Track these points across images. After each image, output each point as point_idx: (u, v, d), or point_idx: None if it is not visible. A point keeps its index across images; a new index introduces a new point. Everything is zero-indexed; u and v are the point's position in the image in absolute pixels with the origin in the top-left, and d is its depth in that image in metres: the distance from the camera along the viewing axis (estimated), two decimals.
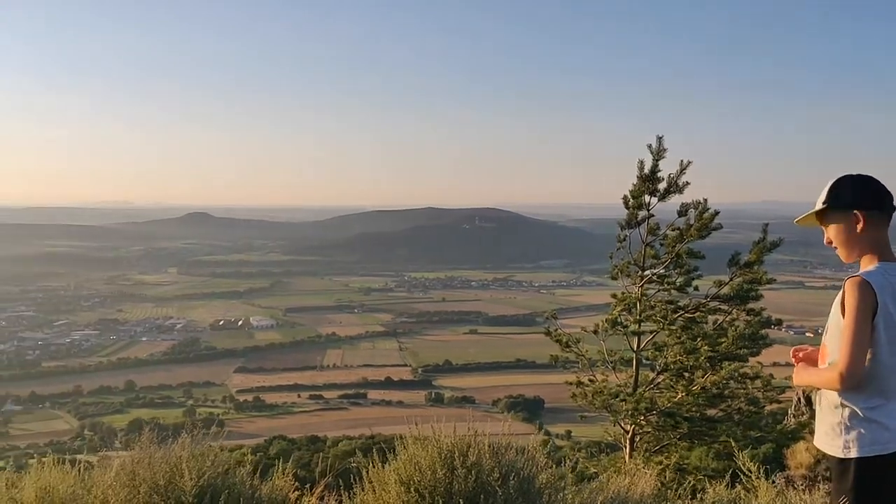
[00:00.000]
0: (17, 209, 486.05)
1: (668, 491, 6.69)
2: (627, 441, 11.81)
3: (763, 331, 11.42)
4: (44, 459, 5.80)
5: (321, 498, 6.20)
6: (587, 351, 12.51)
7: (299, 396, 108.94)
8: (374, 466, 6.20)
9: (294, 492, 6.15)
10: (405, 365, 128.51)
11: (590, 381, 12.19)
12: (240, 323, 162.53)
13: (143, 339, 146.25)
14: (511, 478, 5.81)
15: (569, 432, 68.75)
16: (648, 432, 11.86)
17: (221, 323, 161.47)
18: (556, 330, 12.77)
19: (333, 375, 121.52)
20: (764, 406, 11.74)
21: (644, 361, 12.13)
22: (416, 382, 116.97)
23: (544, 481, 6.05)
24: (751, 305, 11.58)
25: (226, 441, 6.19)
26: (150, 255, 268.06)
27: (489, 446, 6.11)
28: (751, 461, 5.72)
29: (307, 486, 6.42)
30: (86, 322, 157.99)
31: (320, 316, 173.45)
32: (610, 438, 12.49)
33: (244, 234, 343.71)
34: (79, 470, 5.66)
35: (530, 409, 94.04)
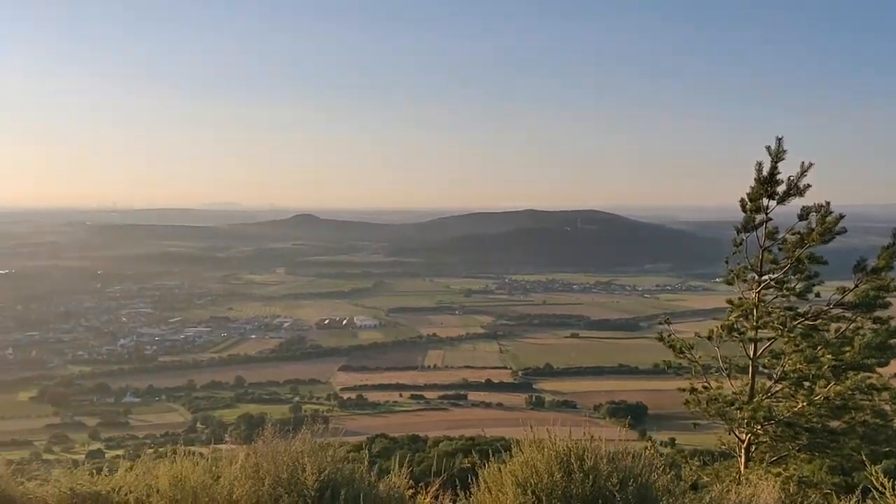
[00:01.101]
0: (136, 211, 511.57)
1: None
2: (742, 450, 11.41)
3: (891, 340, 10.82)
4: (176, 450, 6.08)
5: (435, 497, 6.26)
6: (700, 357, 12.14)
7: (401, 396, 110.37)
8: (488, 468, 6.23)
9: (408, 489, 6.24)
10: (505, 367, 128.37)
11: (703, 387, 11.83)
12: (344, 322, 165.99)
13: (252, 336, 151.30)
14: (630, 483, 5.73)
15: (673, 440, 67.14)
16: (765, 442, 11.42)
17: (327, 322, 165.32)
18: (669, 335, 12.46)
19: (434, 376, 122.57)
20: (892, 419, 11.12)
21: (761, 369, 11.68)
22: (517, 385, 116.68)
23: (662, 487, 5.94)
24: (878, 314, 11.00)
25: (330, 439, 6.32)
26: (259, 255, 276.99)
27: (606, 451, 6.04)
28: (883, 476, 5.45)
29: (419, 484, 6.50)
30: (198, 319, 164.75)
31: (421, 317, 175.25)
32: (723, 447, 12.08)
33: (348, 235, 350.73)
34: (207, 461, 5.93)
35: (633, 414, 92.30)
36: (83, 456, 65.98)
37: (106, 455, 67.55)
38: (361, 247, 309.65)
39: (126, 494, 5.60)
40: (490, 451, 6.66)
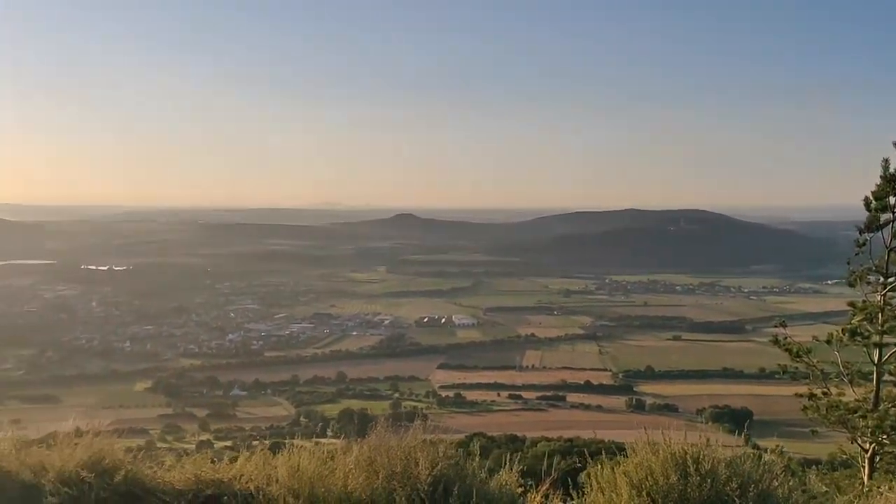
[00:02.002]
0: (244, 210, 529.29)
1: None
2: (866, 460, 10.86)
3: None
4: (293, 443, 6.26)
5: (545, 496, 6.22)
6: (818, 362, 11.61)
7: (498, 395, 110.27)
8: (601, 469, 6.14)
9: (518, 488, 6.22)
10: (605, 369, 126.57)
11: (823, 393, 11.32)
12: (443, 321, 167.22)
13: (354, 333, 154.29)
14: (750, 489, 5.55)
15: (779, 447, 64.82)
16: (891, 453, 10.84)
17: (426, 320, 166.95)
18: (784, 338, 11.98)
19: (532, 376, 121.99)
20: None
21: (887, 376, 11.08)
22: (616, 387, 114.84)
23: (783, 496, 5.72)
24: None
25: (428, 436, 6.35)
26: (361, 254, 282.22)
27: (723, 455, 5.87)
28: None
29: (529, 482, 6.47)
30: (302, 316, 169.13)
31: (520, 316, 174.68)
32: (843, 456, 11.53)
33: (448, 234, 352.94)
34: (323, 453, 6.07)
35: (737, 420, 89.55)
36: (193, 446, 68.63)
37: (215, 446, 70.07)
38: (460, 246, 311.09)
39: (246, 482, 5.78)
40: (591, 452, 6.57)
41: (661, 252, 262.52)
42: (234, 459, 6.20)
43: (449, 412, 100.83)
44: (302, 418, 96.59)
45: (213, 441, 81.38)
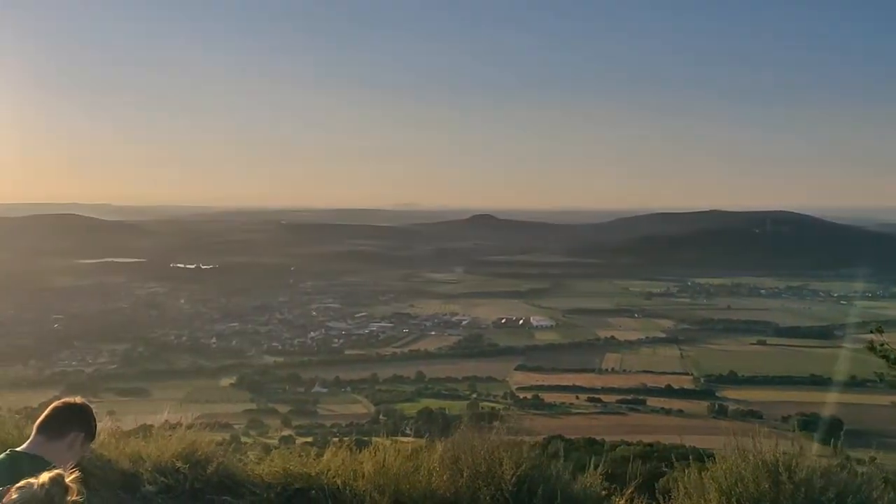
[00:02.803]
0: (326, 211, 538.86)
1: None
2: None
3: None
4: (377, 440, 6.37)
5: (630, 500, 6.14)
6: None
7: (577, 398, 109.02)
8: (688, 474, 6.04)
9: (602, 490, 6.17)
10: (686, 373, 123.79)
11: None
12: (521, 322, 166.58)
13: (432, 333, 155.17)
14: (847, 500, 5.36)
15: (872, 458, 62.34)
16: None
17: (503, 321, 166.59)
18: (882, 344, 11.50)
19: (611, 379, 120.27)
20: None
21: None
22: (698, 392, 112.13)
23: None
24: None
25: (510, 437, 6.34)
26: (439, 254, 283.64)
27: (818, 463, 5.69)
28: None
29: (613, 486, 6.40)
30: (382, 315, 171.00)
31: (599, 319, 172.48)
32: None
33: (526, 235, 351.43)
34: (408, 451, 6.16)
35: (826, 429, 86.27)
36: (276, 441, 70.11)
37: (296, 441, 71.39)
38: (538, 247, 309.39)
39: (333, 477, 5.91)
40: (674, 457, 6.47)
41: (746, 254, 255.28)
42: (320, 454, 6.36)
43: (527, 413, 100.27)
44: (381, 416, 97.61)
45: (295, 437, 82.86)
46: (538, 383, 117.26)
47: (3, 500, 2.50)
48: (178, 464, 5.99)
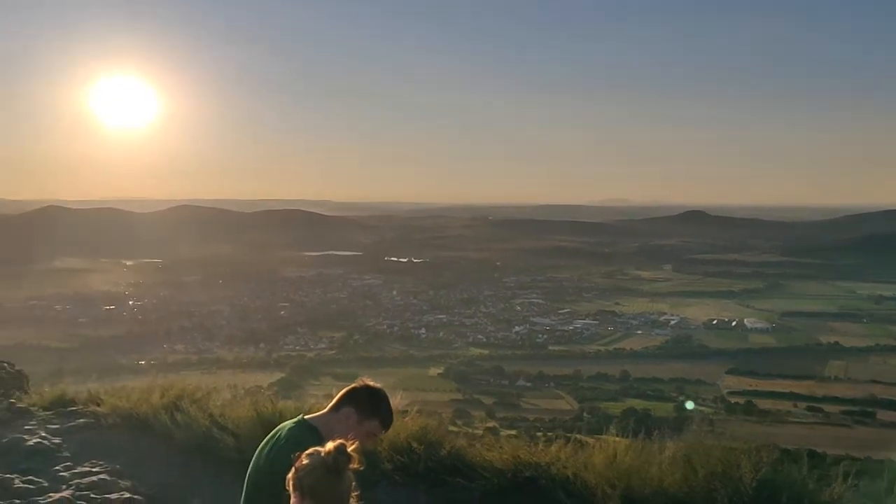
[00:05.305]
0: (532, 207, 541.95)
1: None
2: None
3: None
4: (610, 437, 6.35)
5: None
6: None
7: (795, 406, 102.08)
8: None
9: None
10: None
11: None
12: (733, 324, 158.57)
13: (638, 332, 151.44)
14: None
15: None
16: None
17: (714, 322, 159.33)
18: None
19: (834, 388, 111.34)
20: None
21: None
22: None
23: None
24: None
25: (716, 442, 6.08)
26: (646, 251, 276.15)
27: None
28: None
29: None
30: (586, 312, 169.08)
31: (820, 323, 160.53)
32: None
33: (739, 233, 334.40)
34: (638, 447, 6.07)
35: None
36: (480, 431, 71.40)
37: (501, 433, 72.36)
38: (753, 245, 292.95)
39: (563, 467, 5.94)
40: None
41: None
42: (547, 444, 6.42)
43: (738, 419, 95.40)
44: (584, 414, 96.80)
45: (500, 428, 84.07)
46: (751, 388, 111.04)
47: (295, 465, 2.76)
48: (414, 444, 6.28)
